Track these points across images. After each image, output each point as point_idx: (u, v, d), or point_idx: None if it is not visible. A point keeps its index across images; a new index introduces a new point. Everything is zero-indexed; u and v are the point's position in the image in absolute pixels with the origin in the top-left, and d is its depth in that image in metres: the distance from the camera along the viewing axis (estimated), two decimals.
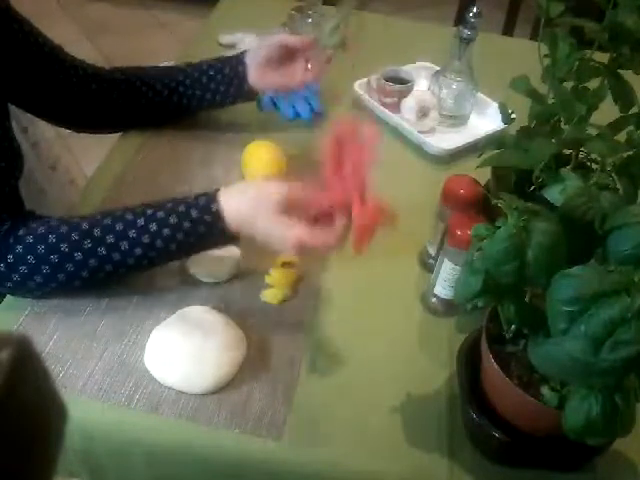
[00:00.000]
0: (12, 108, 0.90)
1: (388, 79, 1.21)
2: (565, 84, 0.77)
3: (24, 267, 0.77)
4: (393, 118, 1.19)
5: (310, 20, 1.28)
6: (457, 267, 0.81)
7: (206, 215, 0.79)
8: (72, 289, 0.82)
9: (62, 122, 1.05)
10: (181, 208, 0.79)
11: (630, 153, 0.69)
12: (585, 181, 0.72)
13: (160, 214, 0.79)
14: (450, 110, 1.20)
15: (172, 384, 0.75)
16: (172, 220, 0.79)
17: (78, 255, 0.77)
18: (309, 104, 1.21)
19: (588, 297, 0.53)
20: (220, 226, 0.79)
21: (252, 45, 1.25)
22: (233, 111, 1.17)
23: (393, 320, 0.86)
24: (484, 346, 0.68)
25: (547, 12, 0.76)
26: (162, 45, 2.83)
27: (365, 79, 1.26)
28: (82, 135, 1.10)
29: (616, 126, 0.77)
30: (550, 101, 0.78)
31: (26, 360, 0.32)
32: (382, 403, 0.76)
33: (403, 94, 1.19)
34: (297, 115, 1.21)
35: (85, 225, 0.78)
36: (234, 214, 0.79)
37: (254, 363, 0.79)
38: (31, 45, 0.92)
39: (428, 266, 0.92)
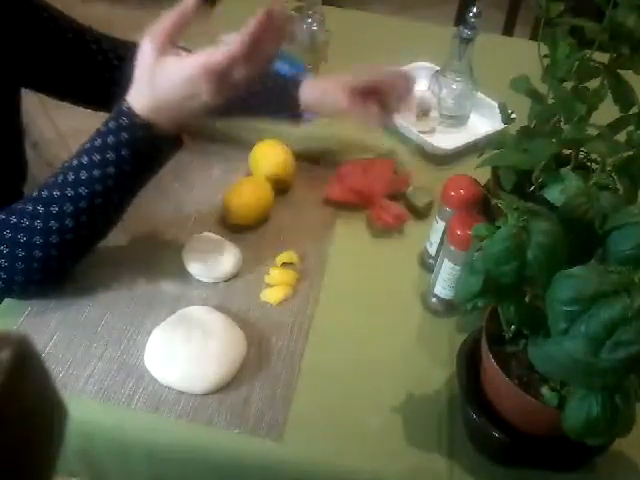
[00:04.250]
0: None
1: None
2: (565, 84, 0.77)
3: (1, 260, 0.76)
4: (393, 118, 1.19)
5: (310, 20, 1.28)
6: (457, 267, 0.81)
7: (121, 118, 0.75)
8: (54, 264, 0.79)
9: (89, 103, 1.03)
10: (101, 128, 0.76)
11: (630, 153, 0.69)
12: (585, 181, 0.72)
13: (87, 145, 0.77)
14: (450, 110, 1.20)
15: (172, 384, 0.75)
16: (97, 142, 0.76)
17: (38, 223, 0.75)
18: None
19: (588, 297, 0.53)
20: (138, 119, 0.74)
21: None
22: None
23: (393, 320, 0.86)
24: (484, 346, 0.68)
25: (547, 12, 0.76)
26: None
27: None
28: (82, 135, 1.10)
29: (616, 126, 0.77)
30: (550, 101, 0.78)
31: (26, 360, 0.32)
32: (382, 403, 0.76)
33: None
34: None
35: (34, 193, 0.77)
36: (140, 96, 0.74)
37: (254, 363, 0.79)
38: (51, 31, 0.91)
39: (428, 266, 0.92)
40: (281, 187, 1.02)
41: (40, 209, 0.76)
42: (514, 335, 0.68)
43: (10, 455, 0.31)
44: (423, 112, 1.17)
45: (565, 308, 0.54)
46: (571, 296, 0.54)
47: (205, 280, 0.88)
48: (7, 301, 0.84)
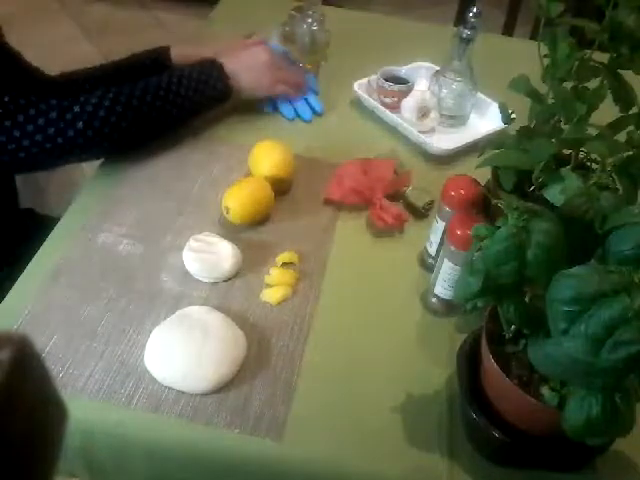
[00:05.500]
0: None
1: (388, 79, 1.21)
2: (565, 84, 0.77)
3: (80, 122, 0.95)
4: (393, 118, 1.19)
5: (310, 20, 1.28)
6: (457, 267, 0.81)
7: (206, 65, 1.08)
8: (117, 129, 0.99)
9: None
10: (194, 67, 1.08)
11: (630, 153, 0.69)
12: (585, 181, 0.72)
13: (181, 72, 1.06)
14: (450, 110, 1.20)
15: (172, 384, 0.75)
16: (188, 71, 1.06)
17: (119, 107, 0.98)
18: (309, 105, 1.22)
19: (588, 297, 0.53)
20: (219, 69, 1.08)
21: None
22: (234, 113, 1.17)
23: (393, 320, 0.86)
24: (484, 346, 0.68)
25: (547, 12, 0.76)
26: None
27: (365, 79, 1.26)
28: None
29: (616, 126, 0.77)
30: (550, 101, 0.78)
31: (26, 360, 0.32)
32: (382, 403, 0.76)
33: (403, 94, 1.19)
34: (297, 115, 1.21)
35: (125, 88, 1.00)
36: (230, 66, 1.09)
37: (254, 363, 0.79)
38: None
39: (428, 266, 0.92)
40: (281, 187, 1.02)
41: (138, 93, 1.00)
42: (514, 335, 0.68)
43: (10, 455, 0.31)
44: (423, 112, 1.17)
45: (565, 308, 0.54)
46: (571, 296, 0.54)
47: (205, 280, 0.88)
48: (7, 301, 0.84)
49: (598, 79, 0.77)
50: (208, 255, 0.88)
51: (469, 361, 0.73)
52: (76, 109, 0.95)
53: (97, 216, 0.96)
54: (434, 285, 0.86)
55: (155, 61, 1.18)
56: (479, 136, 1.15)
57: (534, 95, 0.79)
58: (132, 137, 1.03)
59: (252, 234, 0.96)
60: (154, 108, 1.02)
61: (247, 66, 1.12)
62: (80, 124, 0.95)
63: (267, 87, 1.16)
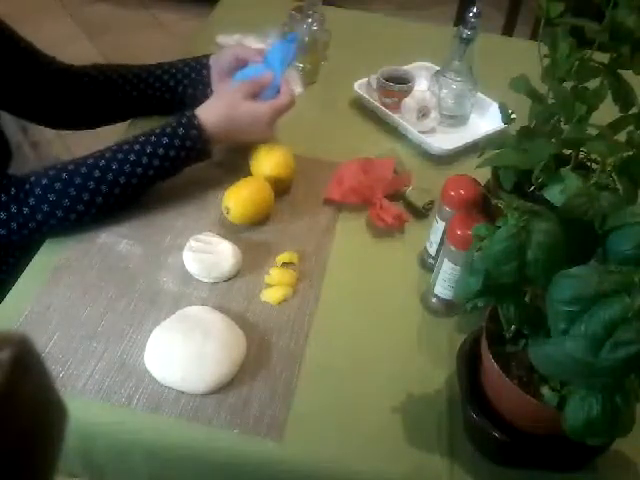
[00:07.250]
0: None
1: (388, 79, 1.21)
2: (565, 84, 0.77)
3: (40, 215, 0.86)
4: (393, 118, 1.19)
5: (310, 20, 1.28)
6: (457, 267, 0.81)
7: (183, 119, 0.94)
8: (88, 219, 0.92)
9: (48, 122, 1.10)
10: (161, 129, 0.93)
11: (630, 153, 0.69)
12: (585, 181, 0.72)
13: (142, 138, 0.92)
14: (450, 110, 1.20)
15: (172, 384, 0.75)
16: (153, 139, 0.92)
17: (85, 195, 0.88)
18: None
19: (588, 297, 0.53)
20: (197, 123, 0.93)
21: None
22: None
23: (393, 320, 0.86)
24: (484, 346, 0.68)
25: (547, 12, 0.76)
26: (162, 45, 2.83)
27: (365, 79, 1.26)
28: (82, 135, 1.10)
29: (616, 126, 0.77)
30: (550, 101, 0.78)
31: (26, 360, 0.32)
32: (382, 403, 0.76)
33: (403, 94, 1.19)
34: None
35: (83, 169, 0.89)
36: (210, 117, 0.95)
37: (254, 363, 0.79)
38: (26, 60, 0.98)
39: (428, 266, 0.92)
40: (281, 187, 1.02)
41: (83, 170, 0.89)
42: (514, 335, 0.68)
43: (11, 455, 0.31)
44: (423, 112, 1.17)
45: (565, 308, 0.54)
46: (571, 296, 0.54)
47: (205, 280, 0.88)
48: (7, 301, 0.84)
49: (598, 79, 0.77)
50: (208, 255, 0.88)
51: (469, 361, 0.73)
52: (2, 215, 0.85)
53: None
54: (434, 285, 0.86)
55: (193, 69, 1.11)
56: (479, 136, 1.15)
57: (534, 95, 0.79)
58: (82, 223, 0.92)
59: (252, 234, 0.96)
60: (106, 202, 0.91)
61: (237, 131, 0.98)
62: (3, 231, 0.86)
63: (262, 137, 1.03)
